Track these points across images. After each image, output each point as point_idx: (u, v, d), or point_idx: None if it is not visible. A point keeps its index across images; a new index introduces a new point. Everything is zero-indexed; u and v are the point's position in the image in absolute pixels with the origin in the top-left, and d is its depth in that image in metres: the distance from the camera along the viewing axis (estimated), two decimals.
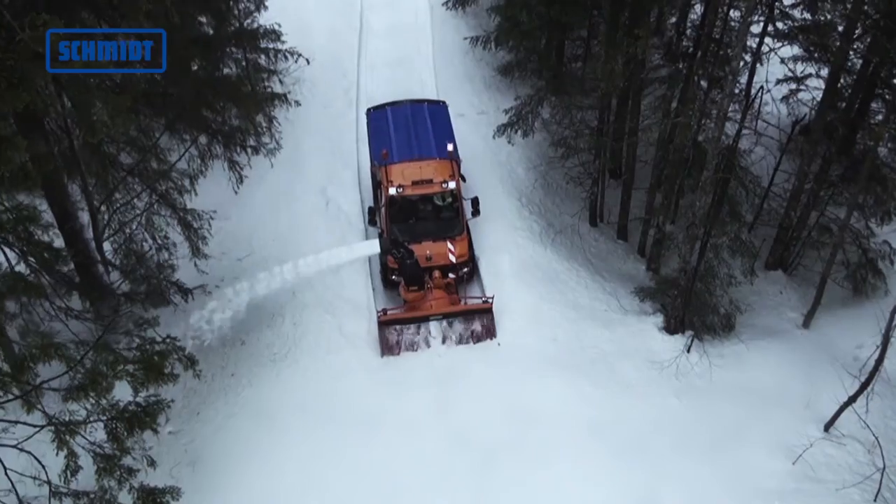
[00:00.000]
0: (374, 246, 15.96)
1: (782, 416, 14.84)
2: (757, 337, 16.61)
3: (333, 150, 21.28)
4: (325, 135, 21.65)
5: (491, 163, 20.34)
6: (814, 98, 17.79)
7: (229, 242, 18.49)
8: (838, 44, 15.58)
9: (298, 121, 21.10)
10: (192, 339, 15.94)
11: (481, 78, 23.80)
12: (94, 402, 10.27)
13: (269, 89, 18.82)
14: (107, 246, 14.70)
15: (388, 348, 15.76)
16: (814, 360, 15.88)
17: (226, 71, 16.79)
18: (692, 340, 16.02)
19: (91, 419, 10.51)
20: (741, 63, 13.25)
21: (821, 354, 16.09)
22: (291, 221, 19.15)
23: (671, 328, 16.37)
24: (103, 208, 13.34)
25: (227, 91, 13.13)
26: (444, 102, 19.78)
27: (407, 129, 18.26)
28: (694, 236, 14.97)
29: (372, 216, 17.15)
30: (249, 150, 14.10)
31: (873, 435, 13.14)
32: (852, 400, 13.92)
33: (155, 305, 15.66)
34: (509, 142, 17.42)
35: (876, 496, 13.20)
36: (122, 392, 11.26)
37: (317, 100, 22.73)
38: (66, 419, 10.35)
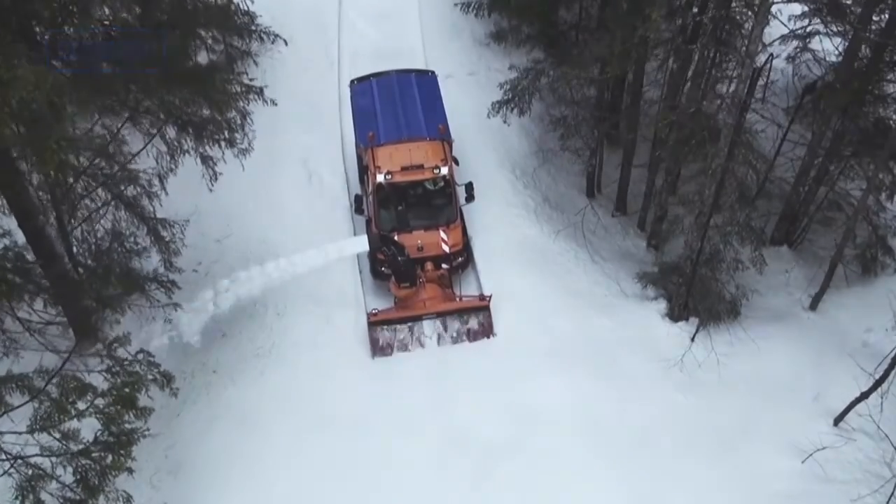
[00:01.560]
0: (362, 243, 14.98)
1: (790, 409, 14.29)
2: (763, 322, 15.89)
3: (314, 117, 20.06)
4: (305, 100, 20.34)
5: (482, 130, 19.04)
6: (822, 59, 16.70)
7: (207, 222, 17.41)
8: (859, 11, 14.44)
9: (276, 84, 19.34)
10: (169, 336, 15.18)
11: (471, 33, 22.41)
12: (61, 444, 9.42)
13: (243, 75, 17.38)
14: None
15: (379, 349, 14.90)
16: (823, 348, 15.29)
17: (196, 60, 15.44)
18: (697, 329, 15.30)
19: (57, 455, 9.73)
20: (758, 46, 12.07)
21: (829, 341, 15.48)
22: (272, 198, 18.11)
23: (675, 315, 15.66)
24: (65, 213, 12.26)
25: (194, 83, 11.84)
26: (433, 73, 18.44)
27: (394, 104, 16.93)
28: (702, 225, 14.09)
29: (359, 204, 15.98)
30: (224, 143, 12.87)
31: (892, 445, 12.55)
32: (865, 396, 13.38)
33: (129, 291, 14.70)
34: (505, 122, 16.22)
35: (889, 500, 12.73)
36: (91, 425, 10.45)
37: (295, 60, 21.40)
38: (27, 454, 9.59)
